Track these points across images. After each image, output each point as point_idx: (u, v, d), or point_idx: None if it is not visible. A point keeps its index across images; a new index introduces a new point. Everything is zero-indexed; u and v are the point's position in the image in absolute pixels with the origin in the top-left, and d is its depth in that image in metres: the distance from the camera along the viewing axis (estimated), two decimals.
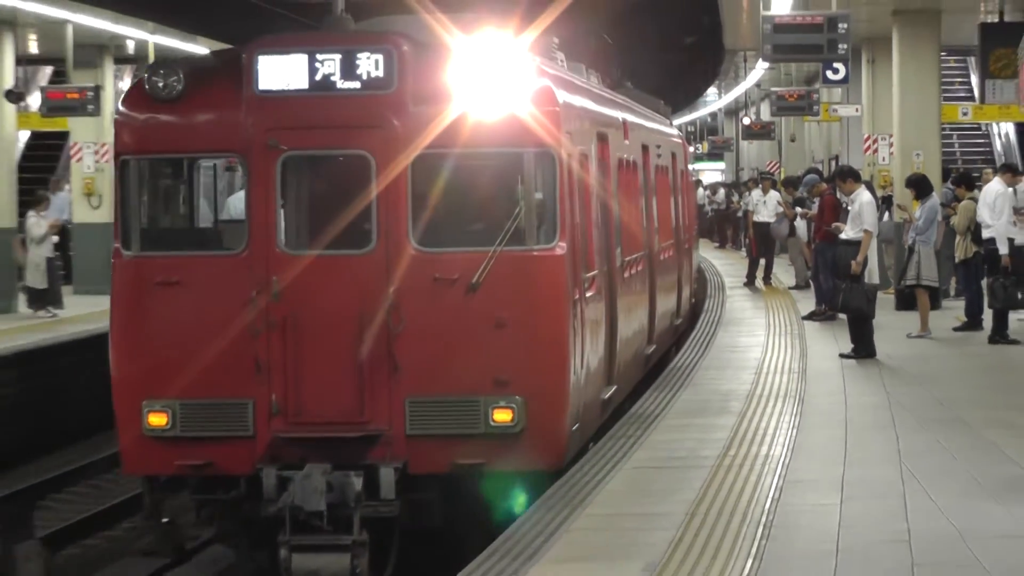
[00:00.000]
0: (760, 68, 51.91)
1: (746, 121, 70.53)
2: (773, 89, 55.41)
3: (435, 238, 13.88)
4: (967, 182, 29.74)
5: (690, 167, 41.36)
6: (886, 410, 19.17)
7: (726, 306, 33.00)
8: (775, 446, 16.33)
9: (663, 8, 49.90)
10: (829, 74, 39.78)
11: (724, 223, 59.41)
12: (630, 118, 21.48)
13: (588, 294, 15.25)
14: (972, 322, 27.49)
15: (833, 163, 43.26)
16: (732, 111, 79.19)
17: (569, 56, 19.60)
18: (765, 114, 65.53)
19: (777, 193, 41.70)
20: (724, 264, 45.32)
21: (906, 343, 25.63)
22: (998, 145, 49.43)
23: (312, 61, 13.81)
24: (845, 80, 40.42)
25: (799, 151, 62.86)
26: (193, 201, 15.41)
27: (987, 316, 26.68)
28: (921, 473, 15.08)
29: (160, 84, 13.97)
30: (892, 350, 24.46)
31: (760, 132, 67.92)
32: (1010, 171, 29.14)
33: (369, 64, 13.74)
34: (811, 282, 32.69)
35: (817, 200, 31.74)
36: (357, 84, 13.80)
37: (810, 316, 29.67)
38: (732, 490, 14.06)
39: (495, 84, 13.71)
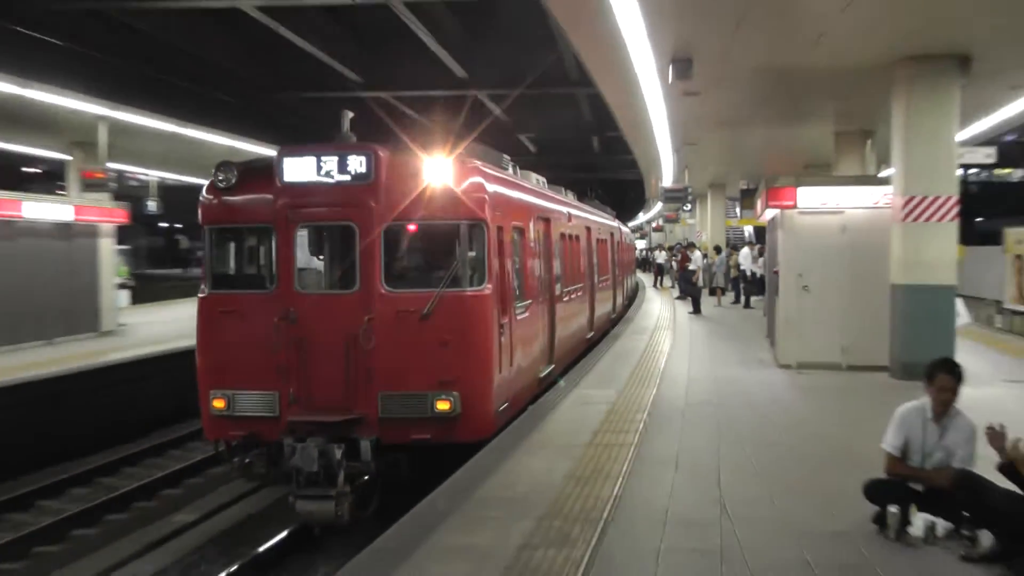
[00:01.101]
0: (659, 205, 51.34)
1: (653, 225, 69.75)
2: (664, 213, 54.81)
3: (399, 282, 9.25)
4: (735, 248, 29.79)
5: (631, 242, 40.56)
6: (709, 334, 18.75)
7: (646, 295, 32.63)
8: (664, 345, 16.04)
9: (620, 180, 49.51)
10: (685, 208, 39.29)
11: (646, 264, 58.79)
12: (575, 211, 15.57)
13: (521, 316, 10.03)
14: (736, 301, 26.91)
15: (686, 240, 42.40)
16: (649, 220, 77.90)
17: (556, 183, 14.67)
18: (661, 222, 64.87)
19: (665, 252, 41.33)
20: (646, 279, 44.74)
21: (714, 309, 25.13)
22: (746, 234, 48.44)
23: (319, 161, 9.29)
24: (691, 210, 40.02)
25: (675, 236, 61.71)
26: (256, 257, 10.21)
27: (741, 299, 26.25)
28: (722, 356, 14.83)
29: (221, 178, 9.50)
30: (708, 311, 23.90)
31: (658, 230, 67.02)
32: (750, 243, 28.98)
33: (356, 163, 9.20)
34: (677, 285, 32.29)
35: (680, 255, 31.44)
36: (348, 177, 9.23)
37: (678, 298, 29.23)
38: (649, 362, 13.83)
39: (442, 177, 9.26)
